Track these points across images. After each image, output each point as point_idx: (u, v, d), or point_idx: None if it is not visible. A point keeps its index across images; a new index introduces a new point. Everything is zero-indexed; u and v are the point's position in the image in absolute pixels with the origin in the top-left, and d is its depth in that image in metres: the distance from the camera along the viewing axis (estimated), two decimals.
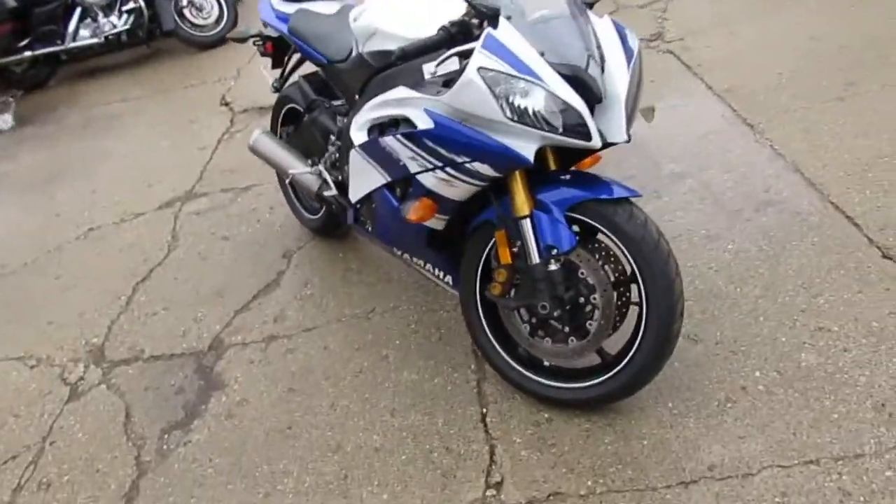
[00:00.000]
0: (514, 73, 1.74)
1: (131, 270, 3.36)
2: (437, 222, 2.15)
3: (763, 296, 2.44)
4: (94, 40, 6.28)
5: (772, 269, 2.54)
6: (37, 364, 2.90)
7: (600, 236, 2.04)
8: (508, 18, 1.82)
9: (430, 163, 1.95)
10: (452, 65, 1.82)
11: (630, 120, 1.88)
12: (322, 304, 2.88)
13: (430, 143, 1.92)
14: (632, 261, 1.94)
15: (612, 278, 2.05)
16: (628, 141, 1.97)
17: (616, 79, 1.87)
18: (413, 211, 2.03)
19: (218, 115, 4.95)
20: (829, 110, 3.39)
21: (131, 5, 6.24)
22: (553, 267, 1.95)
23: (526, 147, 1.80)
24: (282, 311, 2.88)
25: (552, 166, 2.03)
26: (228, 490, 2.17)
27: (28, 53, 6.25)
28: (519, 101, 1.74)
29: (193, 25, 6.42)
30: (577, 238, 1.96)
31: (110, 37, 6.26)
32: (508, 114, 1.74)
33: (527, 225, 1.95)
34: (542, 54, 1.79)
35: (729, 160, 3.20)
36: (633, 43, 1.97)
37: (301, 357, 2.63)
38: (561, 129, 1.77)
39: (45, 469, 2.39)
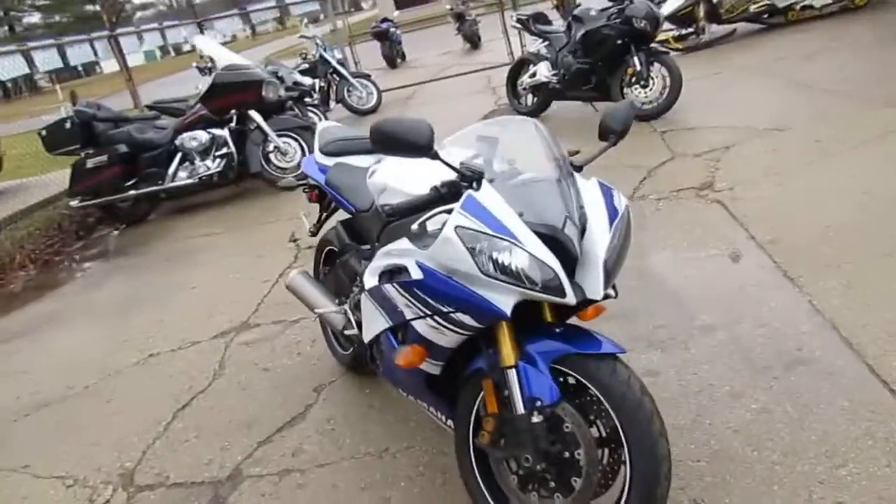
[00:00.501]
0: (489, 231, 1.84)
1: (175, 397, 3.54)
2: (432, 367, 2.20)
3: (781, 462, 2.31)
4: (190, 181, 6.94)
5: (794, 434, 2.41)
6: (73, 484, 3.05)
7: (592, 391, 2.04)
8: (491, 181, 1.96)
9: (421, 311, 2.04)
10: (440, 222, 1.95)
11: (609, 278, 1.93)
12: (339, 441, 2.92)
13: (419, 293, 2.02)
14: (615, 418, 1.92)
15: (604, 434, 2.03)
16: (614, 297, 2.02)
17: (596, 238, 1.95)
18: (402, 356, 2.11)
19: (285, 251, 5.28)
20: (875, 267, 3.29)
21: (224, 151, 6.91)
22: (536, 419, 1.95)
23: (504, 301, 1.88)
24: (301, 445, 2.95)
25: (548, 318, 2.08)
26: None
27: (133, 192, 6.97)
28: (494, 258, 1.83)
29: (277, 168, 7.01)
30: (561, 392, 1.97)
31: (204, 177, 6.91)
32: (484, 270, 1.83)
33: (512, 375, 1.98)
34: (520, 214, 1.91)
35: (763, 314, 3.13)
36: (619, 203, 2.06)
37: (309, 494, 2.65)
38: (537, 286, 1.84)
39: None
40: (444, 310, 1.97)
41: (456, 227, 1.86)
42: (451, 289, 1.92)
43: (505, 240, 1.84)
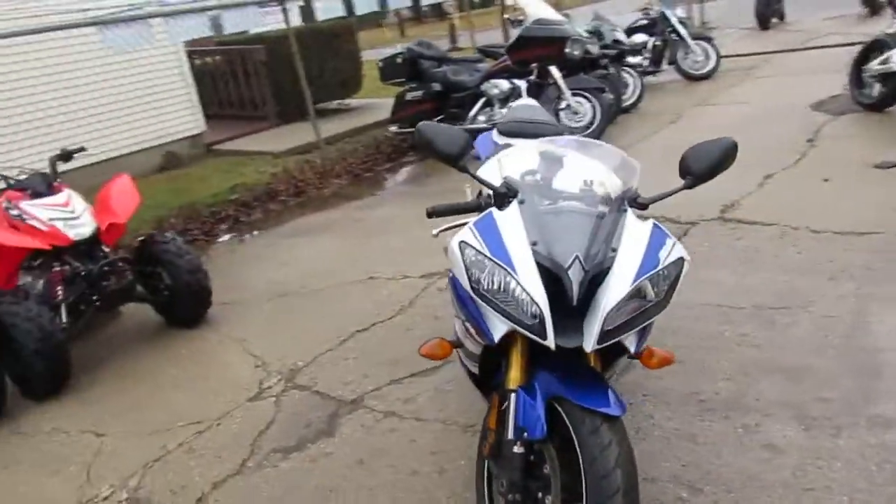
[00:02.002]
0: (487, 254, 1.82)
1: (362, 319, 4.06)
2: (471, 365, 2.26)
3: None
4: (485, 125, 7.40)
5: None
6: (259, 365, 3.78)
7: None
8: (522, 202, 1.90)
9: (455, 310, 2.11)
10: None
11: (610, 333, 1.77)
12: (445, 403, 3.12)
13: (453, 294, 2.09)
14: (583, 479, 1.79)
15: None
16: (631, 353, 1.85)
17: (611, 287, 1.78)
18: (427, 346, 2.20)
19: None
20: None
21: None
22: (518, 450, 1.92)
23: (497, 327, 1.85)
24: (415, 396, 3.22)
25: (591, 361, 1.98)
26: None
27: None
28: (488, 282, 1.81)
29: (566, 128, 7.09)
30: (550, 430, 1.89)
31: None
32: (476, 289, 1.83)
33: (512, 399, 1.96)
34: (533, 244, 1.83)
35: None
36: (667, 255, 1.83)
37: (392, 440, 2.93)
38: (521, 321, 1.78)
39: (204, 441, 3.16)
40: (462, 316, 2.01)
41: (460, 242, 1.88)
42: (462, 299, 1.95)
43: (501, 267, 1.80)
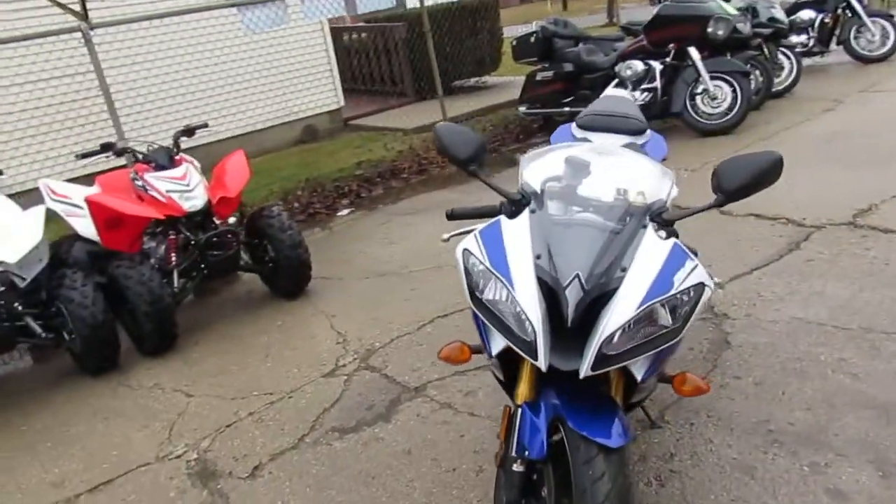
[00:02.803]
0: (487, 264, 1.74)
1: (446, 306, 4.07)
2: (496, 371, 2.19)
3: None
4: None
5: None
6: (342, 342, 3.91)
7: None
8: (532, 212, 1.79)
9: None
10: None
11: (608, 360, 1.63)
12: (499, 400, 3.06)
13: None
14: None
15: None
16: (639, 382, 1.71)
17: (614, 311, 1.64)
18: (447, 350, 2.15)
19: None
20: None
21: (653, 85, 6.80)
22: (517, 468, 1.84)
23: (496, 340, 1.78)
24: (475, 389, 3.19)
25: (613, 391, 1.86)
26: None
27: (567, 109, 7.48)
28: (486, 294, 1.74)
29: (702, 112, 6.61)
30: (550, 451, 1.80)
31: None
32: (475, 300, 1.76)
33: (518, 414, 1.89)
34: (537, 257, 1.72)
35: None
36: (683, 280, 1.65)
37: (442, 432, 2.93)
38: (513, 338, 1.69)
39: (273, 412, 3.33)
40: (478, 321, 1.95)
41: (464, 250, 1.80)
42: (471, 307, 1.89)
43: (499, 279, 1.72)
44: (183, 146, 4.64)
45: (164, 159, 4.41)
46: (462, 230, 1.96)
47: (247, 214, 4.86)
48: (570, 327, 1.68)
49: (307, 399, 3.38)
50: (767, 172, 1.75)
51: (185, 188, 4.26)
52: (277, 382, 3.57)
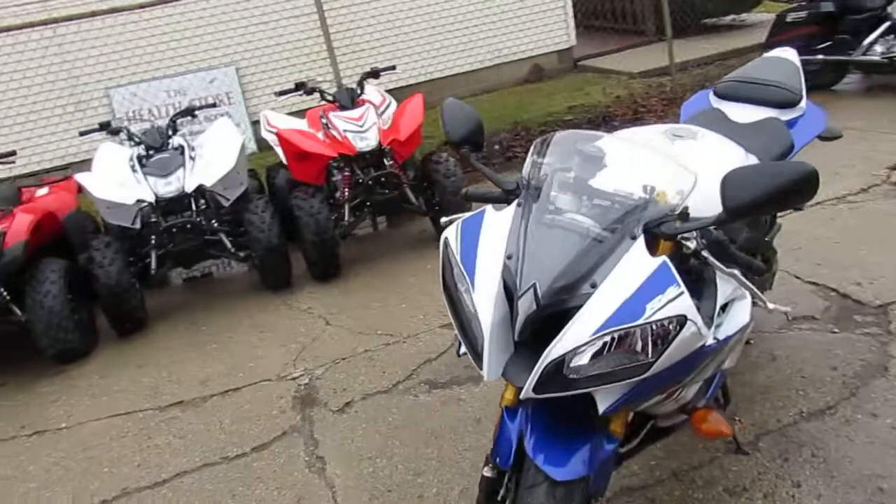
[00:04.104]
0: (457, 257, 1.62)
1: None
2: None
3: None
4: (880, 58, 5.91)
5: None
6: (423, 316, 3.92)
7: None
8: (520, 205, 1.61)
9: None
10: None
11: (570, 383, 1.45)
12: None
13: None
14: None
15: None
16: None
17: (567, 332, 1.44)
18: None
19: (859, 175, 4.36)
20: None
21: None
22: (487, 472, 1.76)
23: (462, 339, 1.67)
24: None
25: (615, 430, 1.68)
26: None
27: (819, 57, 6.40)
28: (452, 288, 1.63)
29: None
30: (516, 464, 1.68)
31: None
32: (446, 293, 1.66)
33: (501, 416, 1.78)
34: (508, 257, 1.56)
35: None
36: (658, 309, 1.39)
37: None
38: (470, 341, 1.57)
39: (385, 354, 3.50)
40: None
41: (445, 237, 1.69)
42: None
43: (463, 275, 1.60)
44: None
45: (347, 100, 4.68)
46: (458, 216, 1.83)
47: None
48: (518, 341, 1.52)
49: (418, 347, 3.50)
50: (780, 191, 1.38)
51: (360, 129, 4.50)
52: (401, 325, 3.73)
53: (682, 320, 1.42)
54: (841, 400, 2.56)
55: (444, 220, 1.83)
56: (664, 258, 1.48)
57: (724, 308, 1.93)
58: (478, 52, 8.38)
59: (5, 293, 3.90)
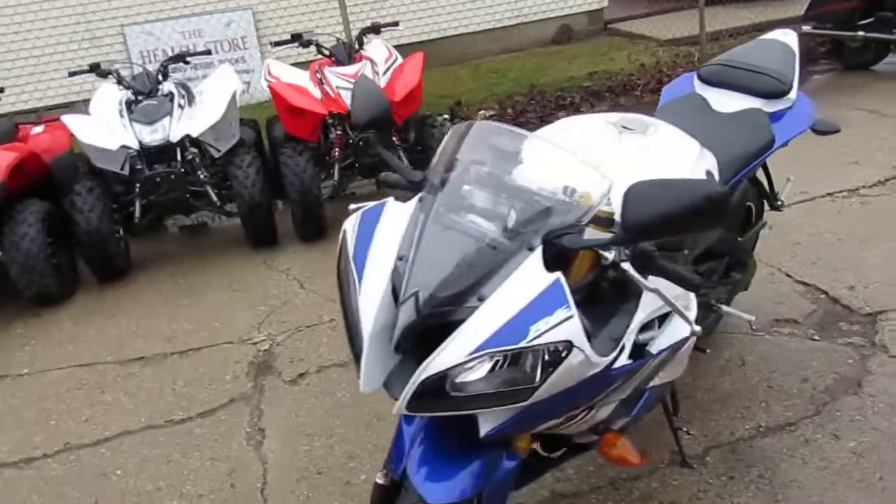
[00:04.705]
0: (350, 250, 1.50)
1: None
2: None
3: None
4: None
5: None
6: None
7: None
8: (421, 199, 1.46)
9: None
10: None
11: (449, 403, 1.34)
12: None
13: None
14: None
15: None
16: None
17: (444, 349, 1.31)
18: None
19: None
20: None
21: None
22: (379, 478, 1.66)
23: None
24: None
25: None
26: None
27: (860, 34, 5.99)
28: (343, 281, 1.50)
29: None
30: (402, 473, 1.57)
31: None
32: (340, 289, 1.54)
33: (399, 419, 1.67)
34: (400, 258, 1.42)
35: None
36: (543, 332, 1.25)
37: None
38: (351, 345, 1.45)
39: None
40: None
41: (345, 227, 1.56)
42: None
43: (351, 273, 1.47)
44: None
45: (343, 55, 4.51)
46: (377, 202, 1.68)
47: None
48: (396, 352, 1.39)
49: None
50: (691, 211, 1.22)
51: (352, 86, 4.33)
52: None
53: (568, 346, 1.28)
54: (804, 417, 2.39)
55: (352, 206, 1.68)
56: (558, 275, 1.32)
57: (662, 319, 1.79)
58: (500, 9, 8.06)
59: None
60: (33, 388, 3.25)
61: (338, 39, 4.65)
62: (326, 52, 4.60)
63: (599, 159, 1.70)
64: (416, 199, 1.55)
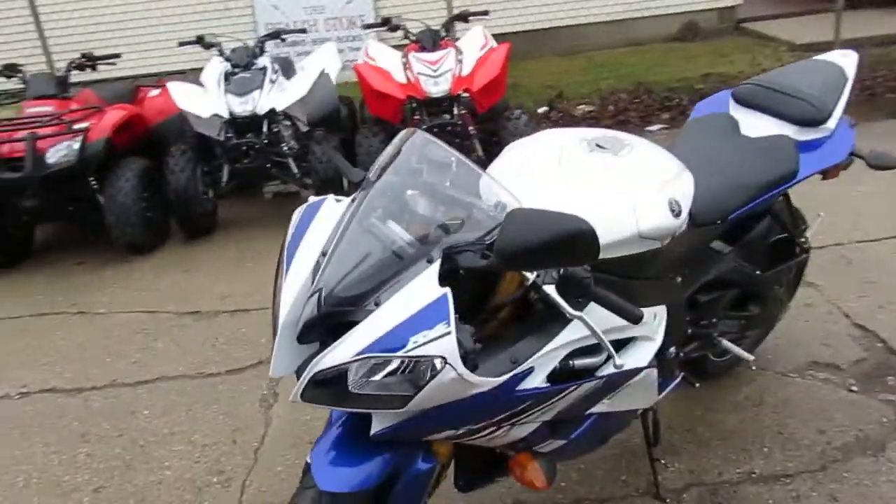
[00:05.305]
0: (287, 239, 1.56)
1: None
2: None
3: None
4: None
5: None
6: None
7: None
8: (353, 199, 1.51)
9: None
10: None
11: (331, 393, 1.39)
12: None
13: None
14: None
15: None
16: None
17: (338, 347, 1.35)
18: None
19: None
20: None
21: None
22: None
23: None
24: None
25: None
26: None
27: None
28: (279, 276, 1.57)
29: None
30: None
31: None
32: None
33: None
34: (322, 253, 1.48)
35: None
36: (421, 345, 1.27)
37: None
38: (272, 333, 1.52)
39: None
40: None
41: (292, 218, 1.63)
42: None
43: (282, 261, 1.54)
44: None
45: (429, 41, 4.57)
46: (320, 198, 1.73)
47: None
48: (300, 342, 1.45)
49: None
50: (561, 244, 1.18)
51: (433, 73, 4.40)
52: None
53: (441, 363, 1.29)
54: (805, 471, 2.22)
55: (311, 198, 1.75)
56: (446, 291, 1.32)
57: (624, 343, 1.74)
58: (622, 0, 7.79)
59: (94, 183, 4.33)
60: (103, 326, 3.61)
61: (426, 26, 4.70)
62: (413, 38, 4.68)
63: (555, 177, 1.67)
64: (350, 198, 1.60)
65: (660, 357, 1.92)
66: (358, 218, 1.48)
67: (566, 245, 1.20)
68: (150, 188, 4.42)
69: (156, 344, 3.39)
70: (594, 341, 1.55)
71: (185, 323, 3.56)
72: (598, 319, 1.48)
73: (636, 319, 1.47)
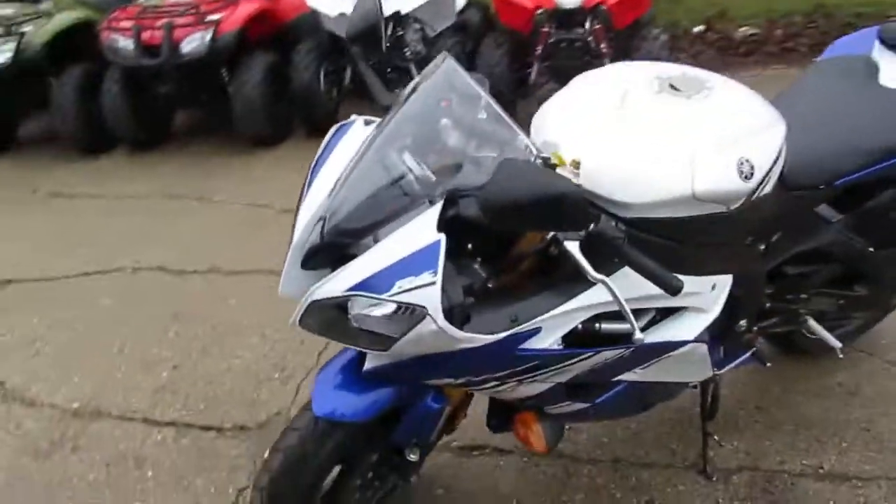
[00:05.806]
0: (313, 163, 1.54)
1: None
2: None
3: None
4: None
5: None
6: None
7: None
8: (378, 125, 1.43)
9: None
10: None
11: (333, 325, 1.37)
12: None
13: None
14: None
15: None
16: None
17: (333, 279, 1.31)
18: None
19: None
20: None
21: None
22: None
23: None
24: None
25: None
26: None
27: None
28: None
29: None
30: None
31: None
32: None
33: None
34: (338, 179, 1.41)
35: None
36: (404, 290, 1.22)
37: None
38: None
39: None
40: None
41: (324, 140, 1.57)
42: None
43: (305, 183, 1.50)
44: None
45: None
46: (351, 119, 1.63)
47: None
48: (303, 267, 1.42)
49: None
50: (546, 205, 1.04)
51: None
52: None
53: (421, 313, 1.20)
54: (882, 476, 1.95)
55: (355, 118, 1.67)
56: (441, 237, 1.22)
57: (670, 312, 1.58)
58: None
59: (225, 74, 4.51)
60: (217, 214, 3.84)
61: None
62: None
63: (612, 120, 1.48)
64: (376, 123, 1.51)
65: (725, 329, 1.73)
66: (375, 146, 1.40)
67: (552, 208, 1.07)
68: (276, 83, 4.53)
69: (260, 235, 3.54)
70: (639, 305, 1.41)
71: (284, 221, 3.68)
72: (638, 285, 1.33)
73: (674, 290, 1.29)
